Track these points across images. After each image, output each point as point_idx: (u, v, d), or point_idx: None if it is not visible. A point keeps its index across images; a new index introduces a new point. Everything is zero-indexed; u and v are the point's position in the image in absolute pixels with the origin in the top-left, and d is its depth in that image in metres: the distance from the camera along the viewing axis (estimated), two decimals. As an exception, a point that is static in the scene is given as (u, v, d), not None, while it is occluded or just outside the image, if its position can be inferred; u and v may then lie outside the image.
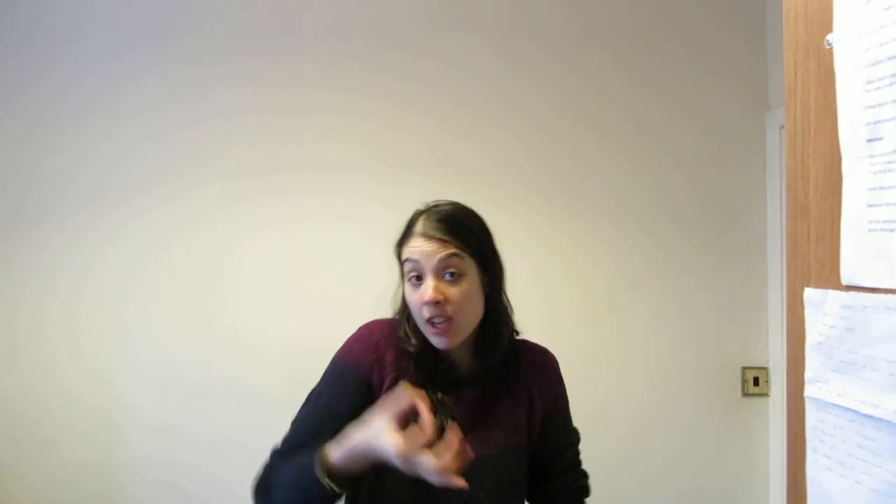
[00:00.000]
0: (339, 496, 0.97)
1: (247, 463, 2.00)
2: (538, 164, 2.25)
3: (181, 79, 2.21)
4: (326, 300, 2.18)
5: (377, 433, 0.93)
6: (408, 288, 1.09)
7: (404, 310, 1.14)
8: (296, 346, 2.14)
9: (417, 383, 1.09)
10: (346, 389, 1.09)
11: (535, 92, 2.26)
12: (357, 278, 2.14)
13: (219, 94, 2.21)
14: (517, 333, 1.22)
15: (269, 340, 2.18)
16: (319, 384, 1.12)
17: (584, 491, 1.23)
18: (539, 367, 1.20)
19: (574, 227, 2.26)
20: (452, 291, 1.05)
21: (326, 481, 0.95)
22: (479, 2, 2.26)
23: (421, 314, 1.06)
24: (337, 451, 0.96)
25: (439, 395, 1.09)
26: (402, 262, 1.11)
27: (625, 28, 2.29)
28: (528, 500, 1.19)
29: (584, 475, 1.24)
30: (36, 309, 2.18)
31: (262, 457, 2.06)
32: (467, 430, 1.09)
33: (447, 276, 1.06)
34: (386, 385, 1.09)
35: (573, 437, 1.24)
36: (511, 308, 1.20)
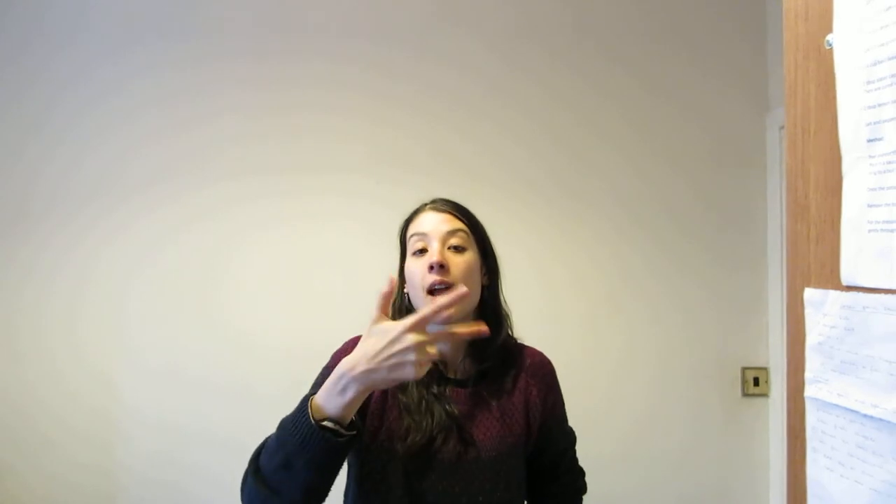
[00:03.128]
0: (343, 438, 0.88)
1: (247, 462, 2.01)
2: (538, 164, 2.25)
3: (181, 79, 2.22)
4: (327, 300, 2.18)
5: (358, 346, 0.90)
6: (410, 262, 1.10)
7: (400, 295, 1.14)
8: (296, 346, 2.15)
9: (405, 383, 1.08)
10: None
11: (535, 92, 2.26)
12: (357, 278, 2.15)
13: (218, 94, 2.22)
14: (514, 339, 1.22)
15: (269, 340, 2.18)
16: (310, 389, 1.09)
17: (583, 490, 1.25)
18: (537, 371, 1.19)
19: (574, 227, 2.26)
20: (457, 260, 1.08)
21: (320, 423, 0.87)
22: (479, 2, 2.26)
23: (423, 283, 1.06)
24: (322, 390, 0.90)
25: (434, 388, 1.09)
26: (407, 240, 1.13)
27: (625, 28, 2.29)
28: (527, 502, 1.19)
29: (582, 474, 1.26)
30: (37, 309, 2.18)
31: (262, 457, 2.02)
32: (464, 429, 1.09)
33: (452, 248, 1.09)
34: (377, 393, 1.07)
35: (570, 438, 1.25)
36: (509, 312, 1.21)
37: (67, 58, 2.21)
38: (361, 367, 0.86)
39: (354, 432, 0.90)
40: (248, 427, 2.23)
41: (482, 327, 0.93)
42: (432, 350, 0.88)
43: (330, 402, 0.88)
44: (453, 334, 0.95)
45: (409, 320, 0.87)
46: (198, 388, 2.17)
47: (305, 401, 0.91)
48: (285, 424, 0.91)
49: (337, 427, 0.88)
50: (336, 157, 2.22)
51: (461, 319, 1.09)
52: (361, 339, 0.90)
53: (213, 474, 2.12)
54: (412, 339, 0.85)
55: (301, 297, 2.19)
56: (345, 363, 0.88)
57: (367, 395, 0.90)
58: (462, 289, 0.91)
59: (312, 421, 0.87)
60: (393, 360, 0.85)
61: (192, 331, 2.19)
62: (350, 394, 0.87)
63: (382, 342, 0.86)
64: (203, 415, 2.16)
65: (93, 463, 2.16)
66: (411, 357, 0.85)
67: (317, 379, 1.09)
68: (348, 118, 2.23)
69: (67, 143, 2.21)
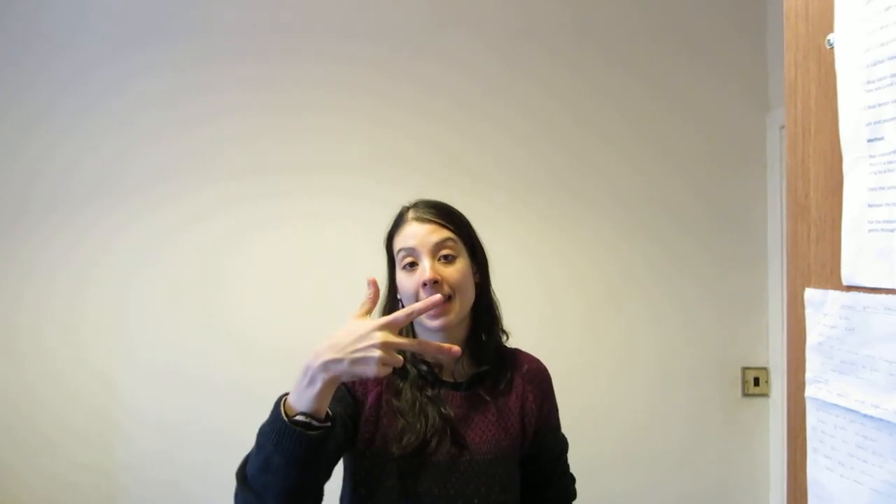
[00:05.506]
0: (316, 432, 0.86)
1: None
2: (538, 164, 2.25)
3: (181, 79, 2.21)
4: (326, 300, 2.18)
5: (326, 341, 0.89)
6: (402, 276, 1.09)
7: (393, 302, 1.14)
8: (296, 345, 2.13)
9: (399, 387, 1.08)
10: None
11: (535, 92, 2.26)
12: (357, 278, 2.13)
13: (219, 94, 2.22)
14: (507, 335, 1.22)
15: (269, 339, 2.18)
16: None
17: (573, 496, 1.25)
18: (534, 377, 1.20)
19: (574, 227, 2.26)
20: (449, 271, 1.07)
21: (292, 419, 0.86)
22: (479, 2, 2.26)
23: (418, 299, 1.05)
24: (293, 387, 0.89)
25: (429, 391, 1.09)
26: (394, 254, 1.12)
27: (625, 28, 2.28)
28: None
29: (573, 481, 1.26)
30: (36, 309, 2.18)
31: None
32: (458, 432, 1.08)
33: (442, 259, 1.07)
34: (370, 400, 1.07)
35: (563, 445, 1.25)
36: (498, 302, 1.20)
37: (67, 58, 2.21)
38: (326, 357, 0.85)
39: (328, 424, 0.89)
40: (248, 427, 2.22)
41: (454, 348, 0.93)
42: (398, 356, 0.87)
43: (300, 396, 0.87)
44: (422, 344, 0.96)
45: (382, 319, 0.87)
46: (198, 388, 2.17)
47: (279, 400, 0.90)
48: (262, 427, 0.90)
49: (309, 420, 0.87)
50: (336, 157, 2.22)
51: (458, 321, 1.10)
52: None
53: (213, 474, 2.12)
54: (380, 336, 0.85)
55: (301, 297, 2.19)
56: (310, 354, 0.87)
57: (334, 385, 0.88)
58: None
59: (284, 417, 0.86)
60: (357, 354, 0.85)
61: (192, 331, 2.19)
62: (318, 384, 0.86)
63: (351, 335, 0.86)
64: (203, 415, 2.16)
65: (93, 463, 2.15)
66: (375, 354, 0.84)
67: None
68: (348, 118, 2.23)
69: (67, 143, 2.20)
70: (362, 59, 2.23)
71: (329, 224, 2.22)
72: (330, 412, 0.90)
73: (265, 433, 0.88)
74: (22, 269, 2.18)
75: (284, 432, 0.85)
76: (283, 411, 0.87)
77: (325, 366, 0.85)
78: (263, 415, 0.93)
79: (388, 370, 0.87)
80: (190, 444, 2.15)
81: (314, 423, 0.87)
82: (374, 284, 0.95)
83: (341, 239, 2.20)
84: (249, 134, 2.22)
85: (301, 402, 0.87)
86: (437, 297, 0.96)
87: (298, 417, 0.86)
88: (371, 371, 0.85)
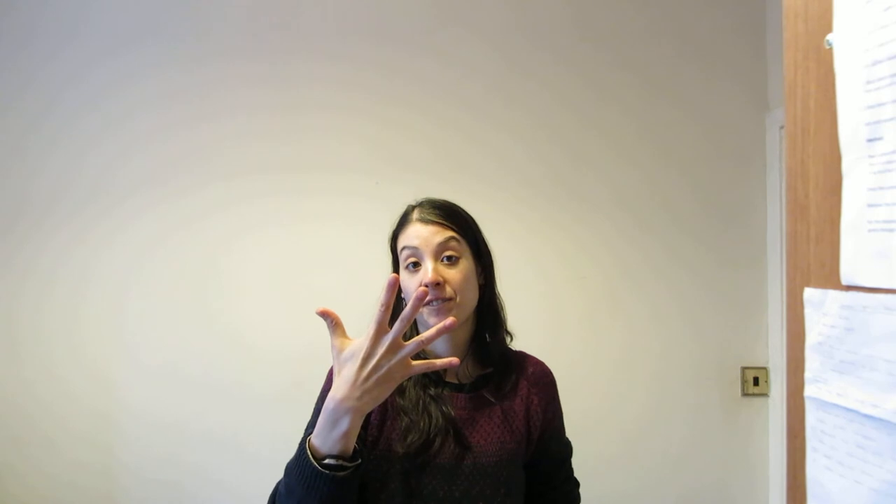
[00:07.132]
0: (347, 472, 0.88)
1: (247, 462, 2.02)
2: (538, 163, 2.25)
3: (181, 79, 2.22)
4: (326, 300, 2.17)
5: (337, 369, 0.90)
6: (405, 276, 1.09)
7: (398, 302, 1.14)
8: (296, 346, 2.15)
9: (403, 386, 1.08)
10: None
11: (535, 92, 2.26)
12: (356, 278, 2.14)
13: (218, 94, 2.22)
14: (511, 336, 1.22)
15: (269, 340, 2.18)
16: (311, 416, 1.09)
17: (577, 501, 1.25)
18: (539, 380, 1.19)
19: (574, 227, 2.26)
20: (451, 273, 1.07)
21: (322, 463, 0.88)
22: (479, 2, 2.26)
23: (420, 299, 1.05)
24: (316, 430, 0.91)
25: (432, 390, 1.09)
26: (398, 253, 1.12)
27: (625, 28, 2.29)
28: None
29: (577, 485, 1.26)
30: (37, 309, 2.18)
31: (262, 456, 2.06)
32: (462, 433, 1.08)
33: (445, 260, 1.07)
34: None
35: (568, 450, 1.25)
36: (503, 304, 1.20)
37: (67, 58, 2.21)
38: (352, 393, 0.87)
39: (359, 461, 0.90)
40: (247, 427, 2.24)
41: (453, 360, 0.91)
42: (407, 347, 0.88)
43: (326, 439, 0.88)
44: (430, 364, 0.93)
45: (371, 333, 0.87)
46: (198, 387, 2.17)
47: (304, 443, 0.91)
48: (290, 470, 0.91)
49: (339, 462, 0.88)
50: (336, 157, 2.22)
51: (461, 323, 1.10)
52: (335, 368, 0.90)
53: (213, 474, 2.12)
54: (382, 348, 0.86)
55: (301, 297, 2.19)
56: (330, 399, 0.88)
57: (363, 419, 0.90)
58: (448, 320, 0.88)
59: (314, 462, 0.87)
60: (379, 374, 0.87)
61: (191, 331, 2.19)
62: (345, 424, 0.87)
63: (357, 363, 0.87)
64: (203, 415, 2.16)
65: (93, 462, 2.16)
66: (391, 363, 0.87)
67: (316, 404, 1.08)
68: (348, 118, 2.23)
69: (67, 143, 2.21)
70: (362, 59, 2.23)
71: (329, 224, 2.22)
72: (357, 447, 0.91)
73: (295, 477, 0.89)
74: (22, 269, 2.19)
75: (316, 477, 0.87)
76: (309, 455, 0.88)
77: (354, 404, 0.87)
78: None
79: (413, 368, 0.89)
80: (190, 444, 2.15)
81: (345, 464, 0.88)
82: (390, 288, 0.88)
83: (341, 239, 2.21)
84: (249, 134, 2.22)
85: (328, 443, 0.88)
86: (451, 321, 0.89)
87: (328, 461, 0.88)
88: (398, 378, 0.88)
